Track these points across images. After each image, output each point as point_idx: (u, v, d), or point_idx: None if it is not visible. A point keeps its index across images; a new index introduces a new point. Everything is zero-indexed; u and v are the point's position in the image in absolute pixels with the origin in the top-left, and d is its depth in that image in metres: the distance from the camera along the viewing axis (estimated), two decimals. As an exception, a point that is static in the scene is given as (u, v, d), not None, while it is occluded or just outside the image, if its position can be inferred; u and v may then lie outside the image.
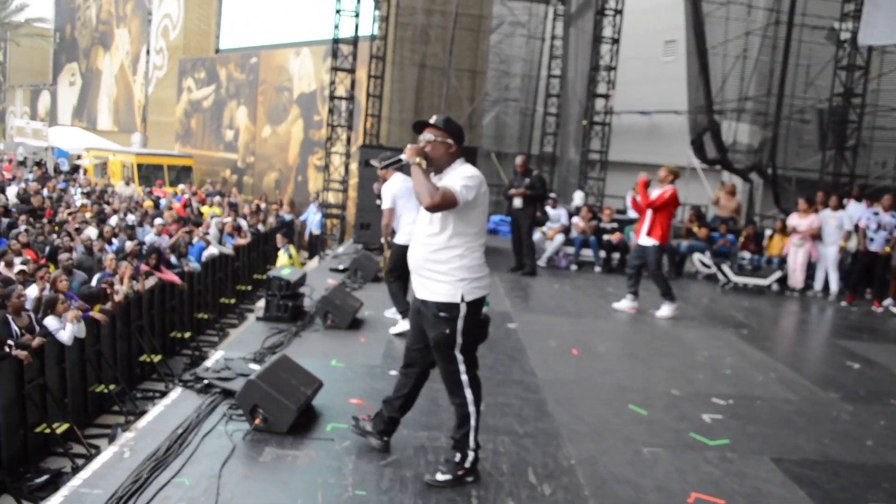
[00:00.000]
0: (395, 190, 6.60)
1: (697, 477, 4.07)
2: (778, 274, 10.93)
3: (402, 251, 6.48)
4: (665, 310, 8.33)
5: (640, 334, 7.45)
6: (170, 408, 4.34)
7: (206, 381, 4.61)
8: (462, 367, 3.64)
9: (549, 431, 4.51)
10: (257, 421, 3.99)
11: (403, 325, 6.74)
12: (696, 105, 13.37)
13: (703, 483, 4.00)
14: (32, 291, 8.32)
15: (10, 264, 9.57)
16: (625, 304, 8.49)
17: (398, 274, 6.58)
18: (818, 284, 10.75)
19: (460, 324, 3.57)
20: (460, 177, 3.53)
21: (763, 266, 11.29)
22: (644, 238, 8.13)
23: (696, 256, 11.52)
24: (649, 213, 8.07)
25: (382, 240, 7.01)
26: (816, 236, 10.51)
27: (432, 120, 3.69)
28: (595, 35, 14.33)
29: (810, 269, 10.85)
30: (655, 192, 8.01)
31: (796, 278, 10.75)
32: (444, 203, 3.45)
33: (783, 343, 8.39)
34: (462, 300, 3.55)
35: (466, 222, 3.58)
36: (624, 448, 4.36)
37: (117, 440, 3.89)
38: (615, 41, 14.31)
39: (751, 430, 4.89)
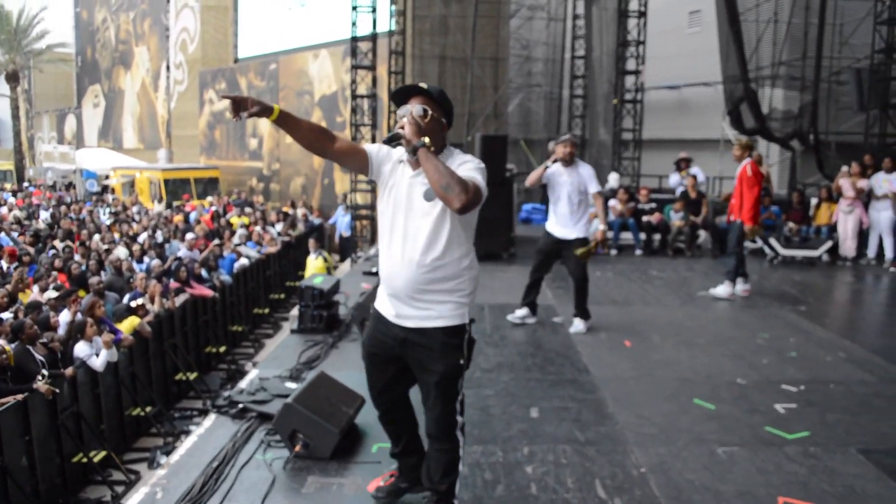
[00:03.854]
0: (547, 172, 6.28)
1: (782, 478, 3.70)
2: (828, 244, 10.42)
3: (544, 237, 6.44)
4: (721, 289, 7.94)
5: (695, 319, 7.03)
6: (203, 437, 4.07)
7: (241, 405, 4.32)
8: (459, 407, 3.03)
9: (613, 436, 4.15)
10: (297, 448, 3.69)
11: (521, 312, 6.68)
12: (729, 74, 12.82)
13: (790, 484, 3.62)
14: (65, 317, 8.17)
15: (44, 289, 9.44)
16: (739, 287, 8.06)
17: (537, 264, 6.51)
18: (871, 252, 10.23)
19: (465, 348, 2.95)
20: (472, 167, 2.84)
21: (811, 237, 10.77)
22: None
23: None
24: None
25: None
26: (866, 202, 10.00)
27: (424, 85, 2.95)
28: (621, 10, 13.83)
29: (861, 236, 10.33)
30: (737, 172, 7.73)
31: (847, 246, 10.25)
32: (476, 200, 2.74)
33: (845, 318, 7.92)
34: (469, 319, 2.97)
35: (471, 223, 2.96)
36: (697, 450, 3.98)
37: (148, 480, 3.61)
38: (642, 14, 13.80)
39: (830, 419, 4.49)
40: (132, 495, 3.48)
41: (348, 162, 3.01)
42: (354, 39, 14.15)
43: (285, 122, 2.83)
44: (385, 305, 3.03)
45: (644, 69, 14.09)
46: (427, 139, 2.75)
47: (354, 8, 13.96)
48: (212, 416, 4.35)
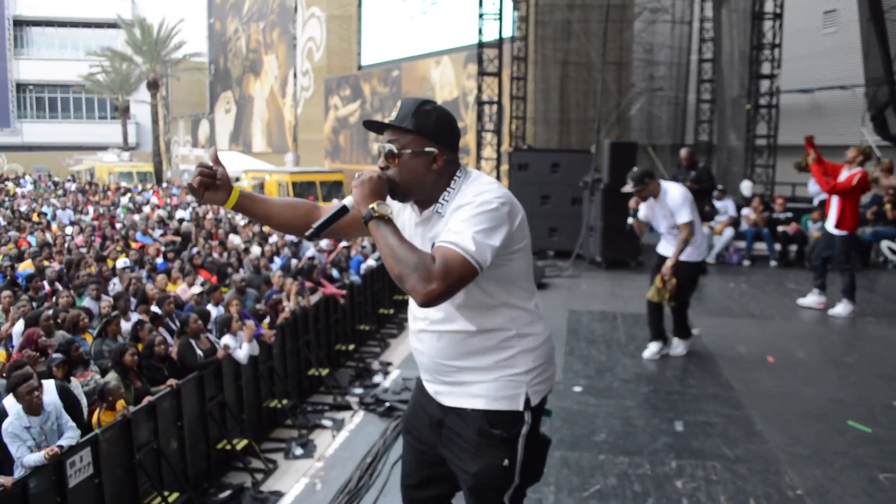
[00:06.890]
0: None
1: (952, 508, 3.51)
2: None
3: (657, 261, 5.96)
4: (841, 308, 7.41)
5: (839, 336, 6.72)
6: (354, 433, 4.26)
7: (387, 404, 4.49)
8: None
9: (763, 455, 4.04)
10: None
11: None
12: (871, 77, 12.14)
13: (962, 516, 3.44)
14: (214, 312, 8.68)
15: (191, 284, 10.08)
16: (811, 299, 7.73)
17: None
18: None
19: (521, 448, 2.10)
20: (470, 213, 1.92)
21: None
22: (833, 228, 7.32)
23: (885, 244, 10.43)
24: (836, 198, 7.25)
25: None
26: None
27: (389, 118, 2.07)
28: (755, 12, 13.35)
29: None
30: (844, 174, 7.21)
31: None
32: (450, 285, 1.84)
33: None
34: (527, 406, 2.10)
35: (515, 277, 2.08)
36: (855, 474, 3.83)
37: (307, 471, 3.81)
38: (777, 16, 13.28)
39: None
40: (292, 490, 3.68)
41: (346, 235, 2.39)
42: (481, 46, 14.32)
43: (245, 209, 2.23)
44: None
45: (779, 73, 13.54)
46: (375, 205, 1.93)
47: (481, 15, 14.15)
48: (360, 413, 4.54)
